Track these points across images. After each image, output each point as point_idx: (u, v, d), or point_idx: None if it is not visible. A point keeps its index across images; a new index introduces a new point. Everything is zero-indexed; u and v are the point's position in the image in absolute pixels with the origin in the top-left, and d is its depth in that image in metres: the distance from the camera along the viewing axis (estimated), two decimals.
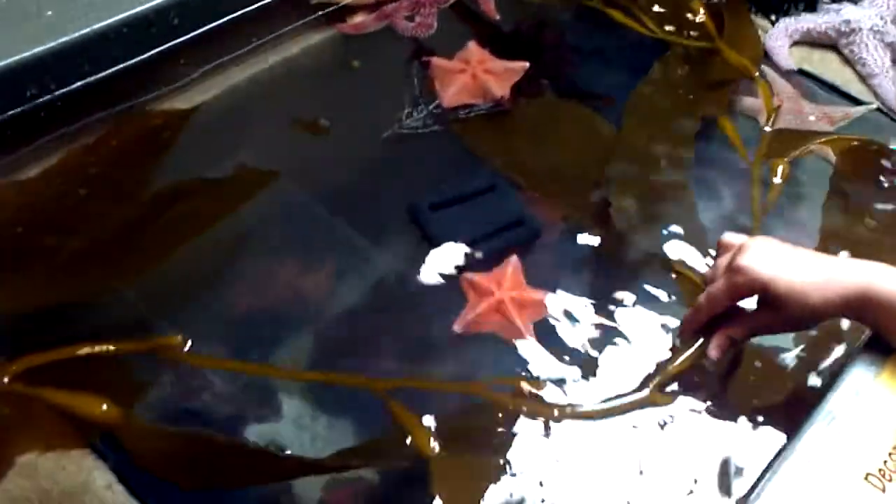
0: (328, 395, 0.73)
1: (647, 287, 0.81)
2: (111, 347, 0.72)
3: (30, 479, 0.65)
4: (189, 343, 0.74)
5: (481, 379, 0.74)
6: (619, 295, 0.81)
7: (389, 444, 0.70)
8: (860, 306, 0.63)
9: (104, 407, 0.69)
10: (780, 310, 0.66)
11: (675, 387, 0.72)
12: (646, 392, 0.72)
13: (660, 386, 0.72)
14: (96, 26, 0.85)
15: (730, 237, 0.72)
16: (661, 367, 0.73)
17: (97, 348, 0.72)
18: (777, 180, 0.92)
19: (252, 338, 0.77)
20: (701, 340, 0.71)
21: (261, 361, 0.75)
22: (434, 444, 0.68)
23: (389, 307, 0.81)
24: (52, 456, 0.66)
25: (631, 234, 0.86)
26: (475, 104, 0.98)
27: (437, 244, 0.83)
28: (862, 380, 0.62)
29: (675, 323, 0.77)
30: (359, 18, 1.07)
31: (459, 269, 0.81)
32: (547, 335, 0.77)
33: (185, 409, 0.72)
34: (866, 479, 0.56)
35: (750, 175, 0.93)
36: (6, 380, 0.69)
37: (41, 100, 0.84)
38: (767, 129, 0.97)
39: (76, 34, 0.84)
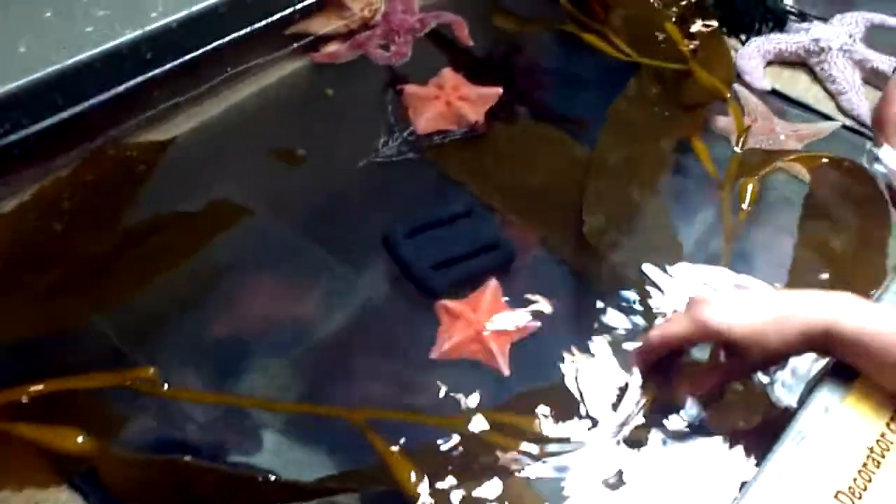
0: (307, 423, 0.73)
1: (625, 307, 0.82)
2: (85, 382, 0.72)
3: None
4: (165, 374, 0.73)
5: (460, 411, 0.73)
6: (596, 317, 0.81)
7: (371, 469, 0.69)
8: (824, 342, 0.63)
9: (80, 440, 0.68)
10: (743, 355, 0.66)
11: (653, 414, 0.72)
12: (624, 419, 0.72)
13: (638, 413, 0.72)
14: (69, 62, 0.85)
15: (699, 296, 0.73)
16: (640, 393, 0.73)
17: (71, 382, 0.72)
18: (747, 199, 0.92)
19: (228, 366, 0.77)
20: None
21: (237, 390, 0.74)
22: (414, 478, 0.68)
23: (366, 334, 0.81)
24: (27, 492, 0.66)
25: (607, 253, 0.86)
26: (450, 130, 0.98)
27: (412, 270, 0.83)
28: (830, 400, 0.63)
29: None
30: (333, 48, 1.07)
31: (435, 294, 0.81)
32: (525, 361, 0.77)
33: (162, 439, 0.71)
34: (836, 497, 0.57)
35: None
36: None
37: (15, 136, 0.84)
38: (737, 149, 0.98)
39: (49, 70, 0.84)
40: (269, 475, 0.67)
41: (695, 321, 0.67)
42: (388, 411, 0.74)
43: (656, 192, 0.94)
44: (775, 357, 0.67)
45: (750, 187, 0.93)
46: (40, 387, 0.71)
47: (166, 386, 0.73)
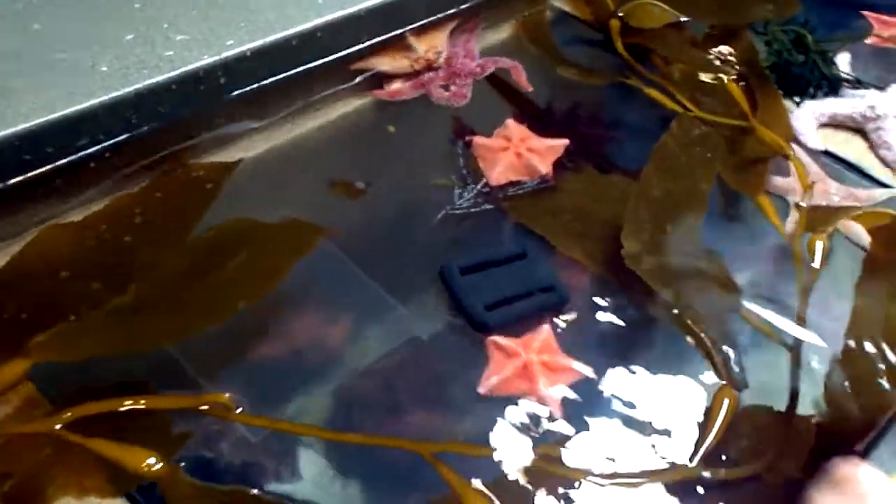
0: (360, 454, 0.74)
1: (678, 350, 0.83)
2: (163, 403, 0.73)
3: None
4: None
5: (513, 446, 0.74)
6: (647, 360, 0.82)
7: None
8: None
9: (151, 461, 0.69)
10: None
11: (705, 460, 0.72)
12: (679, 463, 0.72)
13: (692, 459, 0.72)
14: (147, 82, 0.87)
15: None
16: (693, 438, 0.74)
17: (149, 402, 0.73)
18: (817, 256, 0.93)
19: (275, 392, 0.77)
20: None
21: (283, 412, 0.75)
22: None
23: (416, 366, 0.81)
24: (88, 500, 0.67)
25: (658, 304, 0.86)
26: (522, 181, 0.99)
27: (466, 306, 0.84)
28: None
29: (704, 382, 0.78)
30: (396, 86, 1.10)
31: (487, 330, 0.82)
32: (573, 402, 0.78)
33: (229, 466, 0.72)
34: None
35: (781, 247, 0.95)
36: (58, 426, 0.70)
37: (90, 150, 0.85)
38: (803, 204, 0.99)
39: (128, 89, 0.86)
40: None
41: None
42: (454, 444, 0.74)
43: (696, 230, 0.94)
44: None
45: (819, 244, 0.94)
46: (115, 404, 0.72)
47: (240, 410, 0.74)
